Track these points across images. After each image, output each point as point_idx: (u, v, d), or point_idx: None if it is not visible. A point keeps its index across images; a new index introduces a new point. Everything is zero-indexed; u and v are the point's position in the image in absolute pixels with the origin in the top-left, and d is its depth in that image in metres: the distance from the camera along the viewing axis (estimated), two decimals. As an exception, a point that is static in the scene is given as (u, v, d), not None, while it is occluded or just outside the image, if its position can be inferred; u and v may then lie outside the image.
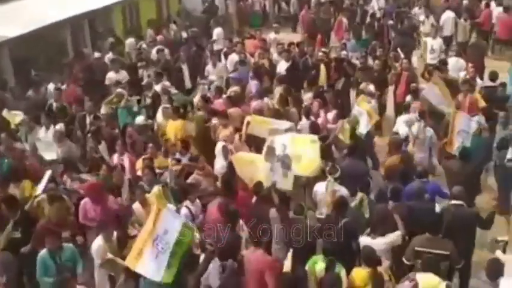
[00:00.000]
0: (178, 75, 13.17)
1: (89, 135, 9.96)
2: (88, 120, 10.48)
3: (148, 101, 11.59)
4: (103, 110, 11.09)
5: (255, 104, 10.62)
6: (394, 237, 6.61)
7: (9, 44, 12.28)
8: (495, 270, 5.64)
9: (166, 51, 14.27)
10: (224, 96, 11.00)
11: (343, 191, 7.49)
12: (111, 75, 12.64)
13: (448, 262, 6.22)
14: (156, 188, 7.74)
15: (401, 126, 9.64)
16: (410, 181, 7.60)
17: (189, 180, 8.34)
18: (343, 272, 6.05)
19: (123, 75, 12.63)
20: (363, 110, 9.71)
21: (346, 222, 6.63)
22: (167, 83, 11.99)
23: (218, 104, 10.72)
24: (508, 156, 7.15)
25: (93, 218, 7.51)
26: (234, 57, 13.72)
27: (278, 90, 11.44)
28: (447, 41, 15.35)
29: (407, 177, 7.70)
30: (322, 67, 12.67)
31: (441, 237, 6.37)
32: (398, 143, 8.85)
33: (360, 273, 6.03)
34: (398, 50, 13.37)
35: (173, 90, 11.81)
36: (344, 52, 13.84)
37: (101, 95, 12.01)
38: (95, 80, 13.04)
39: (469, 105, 10.02)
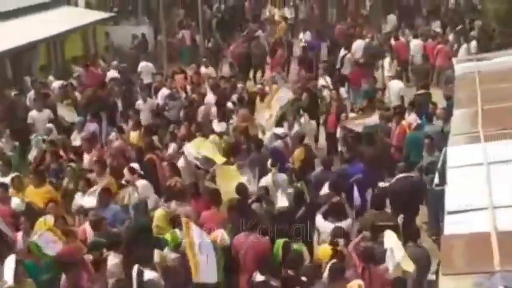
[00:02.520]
0: (113, 111, 12.91)
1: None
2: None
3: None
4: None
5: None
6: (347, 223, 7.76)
7: None
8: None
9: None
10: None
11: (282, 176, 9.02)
12: (33, 114, 12.19)
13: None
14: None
15: None
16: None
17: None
18: (303, 249, 7.19)
19: (46, 114, 12.19)
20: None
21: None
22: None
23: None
24: (436, 180, 7.30)
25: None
26: (164, 91, 13.58)
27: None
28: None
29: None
30: (258, 100, 12.72)
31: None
32: (301, 137, 10.49)
33: (325, 250, 7.06)
34: (328, 81, 13.69)
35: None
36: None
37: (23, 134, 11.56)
38: (16, 119, 12.51)
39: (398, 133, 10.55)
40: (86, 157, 10.21)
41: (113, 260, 6.95)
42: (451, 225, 4.38)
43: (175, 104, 12.79)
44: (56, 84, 14.53)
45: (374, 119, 11.18)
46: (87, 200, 8.45)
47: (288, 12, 24.26)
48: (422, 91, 12.96)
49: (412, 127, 10.59)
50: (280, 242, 7.15)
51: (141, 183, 8.71)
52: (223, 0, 27.92)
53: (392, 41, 18.15)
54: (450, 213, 4.54)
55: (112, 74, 15.65)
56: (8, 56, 15.14)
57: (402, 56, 17.40)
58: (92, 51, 19.73)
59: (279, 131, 10.82)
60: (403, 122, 10.85)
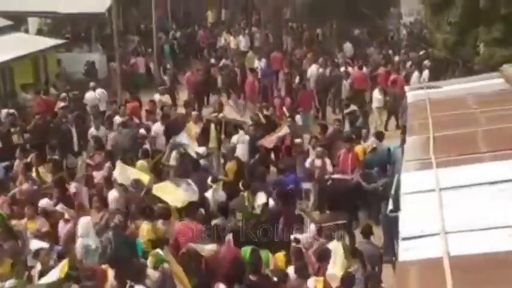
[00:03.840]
0: (67, 138, 12.73)
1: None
2: None
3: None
4: None
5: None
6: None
7: None
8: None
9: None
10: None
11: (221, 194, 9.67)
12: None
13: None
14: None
15: None
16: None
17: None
18: (267, 255, 7.70)
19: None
20: None
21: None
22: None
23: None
24: (390, 206, 7.36)
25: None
26: (117, 119, 13.39)
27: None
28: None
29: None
30: (213, 127, 12.74)
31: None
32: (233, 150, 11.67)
33: (280, 256, 7.80)
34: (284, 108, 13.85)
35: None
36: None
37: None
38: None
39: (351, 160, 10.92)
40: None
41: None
42: (405, 251, 4.38)
43: (128, 132, 12.55)
44: (3, 112, 14.10)
45: (284, 130, 12.17)
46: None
47: (244, 40, 24.47)
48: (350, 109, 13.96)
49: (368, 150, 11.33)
50: (247, 249, 7.52)
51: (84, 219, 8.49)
52: (178, 28, 28.00)
53: (350, 69, 18.55)
54: (404, 239, 4.54)
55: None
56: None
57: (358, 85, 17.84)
58: (43, 79, 19.27)
59: (200, 150, 11.52)
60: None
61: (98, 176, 10.69)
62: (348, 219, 8.71)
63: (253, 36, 25.38)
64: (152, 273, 7.14)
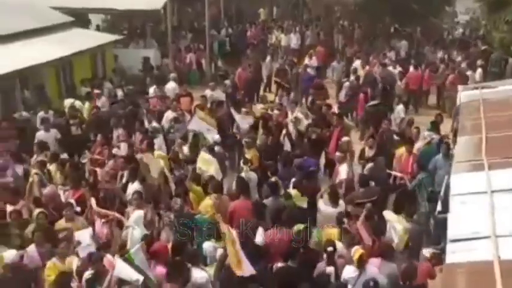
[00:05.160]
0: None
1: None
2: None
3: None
4: None
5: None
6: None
7: None
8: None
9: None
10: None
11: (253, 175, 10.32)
12: (39, 134, 12.30)
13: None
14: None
15: None
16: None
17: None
18: (320, 232, 8.18)
19: (53, 133, 12.28)
20: None
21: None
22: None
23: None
24: (438, 208, 7.34)
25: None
26: (169, 114, 13.64)
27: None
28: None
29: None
30: (260, 124, 12.80)
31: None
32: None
33: (332, 232, 8.19)
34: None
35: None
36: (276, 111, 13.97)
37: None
38: (27, 139, 12.59)
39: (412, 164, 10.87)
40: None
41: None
42: (453, 254, 4.36)
43: (180, 127, 12.81)
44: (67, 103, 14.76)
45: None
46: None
47: (294, 38, 24.50)
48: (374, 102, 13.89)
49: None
50: (300, 227, 7.94)
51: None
52: (231, 25, 28.26)
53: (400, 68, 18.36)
54: (452, 241, 4.52)
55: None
56: (18, 77, 15.24)
57: (413, 86, 17.60)
58: (100, 74, 19.87)
59: (216, 137, 11.99)
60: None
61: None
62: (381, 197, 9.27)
63: (304, 34, 25.37)
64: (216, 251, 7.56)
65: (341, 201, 9.24)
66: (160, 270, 7.16)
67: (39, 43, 17.00)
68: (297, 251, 7.52)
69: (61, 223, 8.65)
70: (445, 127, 12.67)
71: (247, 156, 11.05)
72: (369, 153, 11.65)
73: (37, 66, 15.51)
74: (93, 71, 19.63)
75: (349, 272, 7.10)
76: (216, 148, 11.56)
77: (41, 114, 13.69)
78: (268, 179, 10.17)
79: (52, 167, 10.67)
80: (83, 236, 8.17)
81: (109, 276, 6.88)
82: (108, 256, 7.31)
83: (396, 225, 8.37)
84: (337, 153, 11.09)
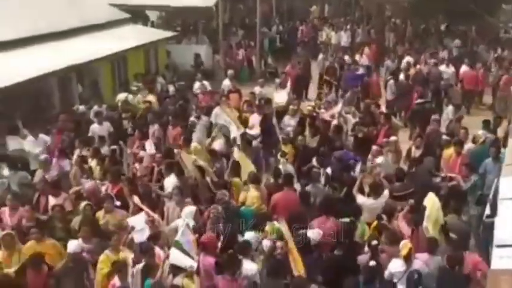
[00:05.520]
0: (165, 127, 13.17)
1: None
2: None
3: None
4: None
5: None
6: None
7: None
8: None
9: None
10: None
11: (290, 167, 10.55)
12: (94, 127, 12.70)
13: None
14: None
15: None
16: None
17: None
18: (363, 226, 8.43)
19: (106, 126, 12.68)
20: None
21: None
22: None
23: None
24: (487, 212, 7.24)
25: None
26: (217, 111, 13.82)
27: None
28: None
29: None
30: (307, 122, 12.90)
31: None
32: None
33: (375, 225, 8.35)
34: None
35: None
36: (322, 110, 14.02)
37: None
38: (81, 131, 13.01)
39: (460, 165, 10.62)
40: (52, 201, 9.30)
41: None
42: (499, 259, 4.33)
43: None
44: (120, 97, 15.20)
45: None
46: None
47: (345, 36, 24.38)
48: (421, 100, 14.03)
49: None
50: (345, 220, 8.22)
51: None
52: (282, 22, 28.36)
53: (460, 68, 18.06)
54: (499, 246, 4.48)
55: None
56: (75, 71, 15.80)
57: (468, 85, 17.30)
58: (153, 69, 20.33)
59: (253, 132, 12.25)
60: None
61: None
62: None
63: (355, 32, 25.19)
64: (264, 243, 7.60)
65: (385, 192, 9.25)
66: (209, 261, 7.29)
67: (96, 39, 17.58)
68: (343, 242, 7.67)
69: (100, 215, 8.70)
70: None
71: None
72: (416, 153, 11.54)
73: (93, 61, 16.04)
74: (147, 67, 20.12)
75: (396, 265, 7.17)
76: (254, 143, 11.80)
77: (95, 108, 14.19)
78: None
79: (93, 163, 10.80)
80: (137, 220, 8.26)
81: (161, 267, 7.07)
82: (157, 248, 7.52)
83: (431, 211, 8.28)
84: (374, 147, 11.14)
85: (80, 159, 10.74)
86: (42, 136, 12.07)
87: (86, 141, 11.67)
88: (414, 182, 9.72)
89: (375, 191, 9.17)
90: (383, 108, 14.59)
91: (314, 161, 10.75)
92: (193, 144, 11.39)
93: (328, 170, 10.45)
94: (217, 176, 10.22)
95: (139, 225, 8.13)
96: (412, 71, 17.80)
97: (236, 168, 10.28)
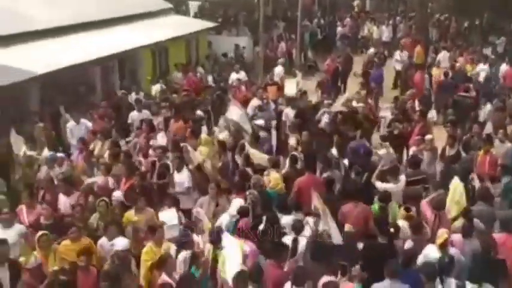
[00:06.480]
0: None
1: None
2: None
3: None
4: None
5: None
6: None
7: (39, 80, 12.82)
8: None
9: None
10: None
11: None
12: (133, 114, 13.07)
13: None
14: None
15: None
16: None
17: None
18: (395, 209, 8.63)
19: (145, 114, 13.00)
20: None
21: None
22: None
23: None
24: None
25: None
26: (254, 102, 14.03)
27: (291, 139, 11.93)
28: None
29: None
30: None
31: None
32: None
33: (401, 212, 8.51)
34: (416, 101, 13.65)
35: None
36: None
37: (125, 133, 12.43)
38: (122, 116, 13.46)
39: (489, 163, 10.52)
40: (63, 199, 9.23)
41: None
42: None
43: (263, 115, 13.12)
44: (156, 87, 15.58)
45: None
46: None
47: (386, 31, 24.16)
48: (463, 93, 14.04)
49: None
50: (376, 205, 8.59)
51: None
52: (324, 16, 28.29)
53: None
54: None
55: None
56: (116, 60, 16.27)
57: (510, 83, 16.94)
58: (194, 59, 20.66)
59: (259, 122, 12.47)
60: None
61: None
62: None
63: (397, 27, 24.92)
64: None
65: (402, 177, 9.55)
66: (251, 245, 7.46)
67: (139, 28, 18.04)
68: (385, 229, 7.77)
69: (130, 214, 8.54)
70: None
71: (292, 139, 11.55)
72: (450, 152, 11.45)
73: (134, 50, 16.46)
74: (187, 57, 20.45)
75: (430, 251, 7.36)
76: (262, 133, 12.10)
77: (133, 95, 14.60)
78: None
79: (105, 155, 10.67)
80: (168, 215, 8.22)
81: (206, 255, 7.28)
82: (194, 236, 7.70)
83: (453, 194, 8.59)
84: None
85: (89, 153, 10.90)
86: (84, 121, 12.49)
87: (107, 135, 11.59)
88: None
89: (394, 175, 9.50)
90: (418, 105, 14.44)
91: (334, 151, 10.90)
92: (203, 136, 11.49)
93: (345, 161, 10.71)
94: (224, 167, 10.35)
95: (170, 220, 8.11)
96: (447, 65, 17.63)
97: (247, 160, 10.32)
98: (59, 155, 10.83)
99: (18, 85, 11.88)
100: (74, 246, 7.51)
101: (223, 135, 11.63)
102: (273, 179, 9.60)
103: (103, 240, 7.86)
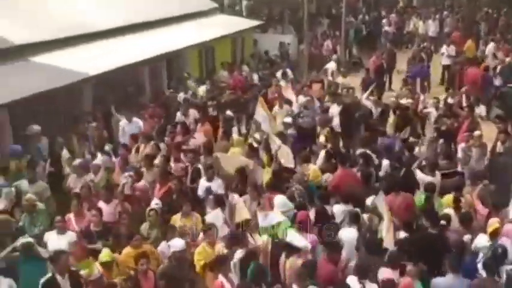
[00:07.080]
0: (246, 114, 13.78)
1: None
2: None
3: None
4: None
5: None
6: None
7: (92, 81, 13.30)
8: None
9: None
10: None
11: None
12: (180, 114, 13.33)
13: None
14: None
15: None
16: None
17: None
18: (440, 201, 8.81)
19: (192, 114, 13.28)
20: None
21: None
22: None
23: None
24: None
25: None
26: (301, 99, 14.12)
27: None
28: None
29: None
30: (391, 114, 12.96)
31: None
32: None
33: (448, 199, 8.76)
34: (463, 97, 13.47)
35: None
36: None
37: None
38: (170, 115, 13.79)
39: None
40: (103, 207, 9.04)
41: None
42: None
43: (309, 113, 13.18)
44: (201, 88, 15.84)
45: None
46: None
47: (433, 26, 23.77)
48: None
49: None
50: (422, 196, 8.72)
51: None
52: (369, 12, 28.03)
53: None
54: None
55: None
56: (164, 60, 16.65)
57: None
58: (239, 58, 20.88)
59: (287, 119, 12.54)
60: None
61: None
62: None
63: (443, 22, 24.46)
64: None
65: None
66: (312, 236, 7.68)
67: (186, 28, 18.38)
68: (432, 218, 7.82)
69: (176, 219, 8.59)
70: None
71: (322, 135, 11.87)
72: (501, 148, 11.30)
73: (182, 50, 16.78)
74: (233, 55, 20.66)
75: (481, 241, 7.46)
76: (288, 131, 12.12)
77: (182, 94, 14.92)
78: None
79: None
80: (215, 217, 8.28)
81: (264, 252, 7.42)
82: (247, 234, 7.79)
83: None
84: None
85: (125, 160, 10.63)
86: (136, 120, 12.80)
87: (149, 137, 11.60)
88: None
89: (432, 168, 9.66)
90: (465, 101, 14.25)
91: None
92: (234, 136, 11.70)
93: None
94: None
95: (218, 221, 8.12)
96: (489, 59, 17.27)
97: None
98: (95, 162, 10.70)
99: (73, 86, 12.34)
100: (135, 253, 7.51)
101: (257, 135, 11.52)
102: (312, 171, 9.82)
103: (163, 246, 7.97)
